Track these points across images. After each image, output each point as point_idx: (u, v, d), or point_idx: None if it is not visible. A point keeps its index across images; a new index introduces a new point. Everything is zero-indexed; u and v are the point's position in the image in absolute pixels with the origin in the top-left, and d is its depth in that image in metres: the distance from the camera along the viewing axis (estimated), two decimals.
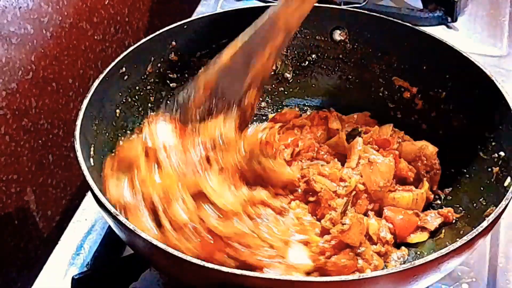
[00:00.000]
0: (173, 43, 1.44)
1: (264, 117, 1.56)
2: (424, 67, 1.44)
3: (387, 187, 1.29)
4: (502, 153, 1.25)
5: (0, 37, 1.38)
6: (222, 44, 1.48)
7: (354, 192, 1.28)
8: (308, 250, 1.16)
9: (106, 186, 1.15)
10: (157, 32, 1.41)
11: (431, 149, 1.36)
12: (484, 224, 1.06)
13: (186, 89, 1.25)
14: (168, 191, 1.11)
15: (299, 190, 1.29)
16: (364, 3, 1.80)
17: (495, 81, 1.28)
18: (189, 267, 1.00)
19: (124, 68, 1.35)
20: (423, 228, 1.28)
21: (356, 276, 0.98)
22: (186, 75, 1.48)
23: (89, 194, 1.44)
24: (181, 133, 1.20)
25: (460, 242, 1.03)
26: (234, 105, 1.22)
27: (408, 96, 1.47)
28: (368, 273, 0.99)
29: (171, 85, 1.47)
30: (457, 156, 1.36)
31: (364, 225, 1.20)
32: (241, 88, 1.22)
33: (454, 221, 1.28)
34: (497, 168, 1.24)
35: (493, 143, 1.28)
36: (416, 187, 1.33)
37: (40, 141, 1.57)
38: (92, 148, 1.24)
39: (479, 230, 1.05)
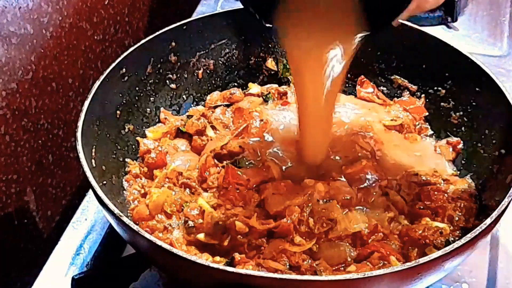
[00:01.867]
0: (173, 43, 1.44)
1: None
2: (424, 66, 1.45)
3: None
4: (503, 151, 1.25)
5: (0, 37, 1.38)
6: (221, 44, 1.50)
7: None
8: None
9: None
10: (157, 33, 1.41)
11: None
12: (488, 221, 1.06)
13: None
14: None
15: None
16: None
17: (494, 78, 1.29)
18: (191, 266, 1.00)
19: (124, 69, 1.36)
20: None
21: (361, 274, 0.98)
22: (186, 76, 1.49)
23: (89, 194, 1.44)
24: None
25: (464, 240, 1.03)
26: None
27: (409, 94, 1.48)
28: (373, 272, 0.98)
29: (170, 86, 1.47)
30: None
31: None
32: None
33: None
34: (498, 165, 1.25)
35: (494, 141, 1.28)
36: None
37: (40, 141, 1.57)
38: (93, 149, 1.24)
39: (483, 228, 1.05)
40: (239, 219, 1.19)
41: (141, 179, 1.32)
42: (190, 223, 1.22)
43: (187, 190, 1.30)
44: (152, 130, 1.42)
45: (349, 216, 1.21)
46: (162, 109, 1.46)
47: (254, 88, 1.51)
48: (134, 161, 1.37)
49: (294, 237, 1.18)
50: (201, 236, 1.21)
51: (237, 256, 1.15)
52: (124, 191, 1.30)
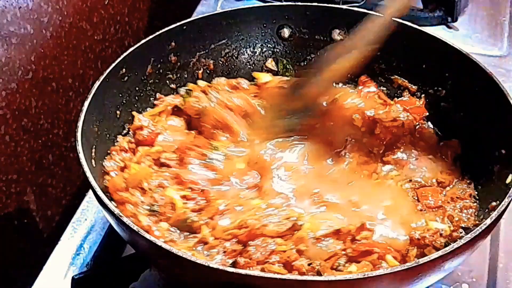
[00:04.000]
0: (173, 43, 1.44)
1: None
2: (424, 66, 1.44)
3: None
4: (503, 151, 1.25)
5: (0, 37, 1.38)
6: (221, 44, 1.50)
7: None
8: None
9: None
10: (157, 33, 1.41)
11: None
12: (487, 221, 1.06)
13: None
14: None
15: None
16: (362, 2, 1.79)
17: (495, 78, 1.29)
18: (191, 266, 1.00)
19: (124, 69, 1.35)
20: None
21: (361, 274, 0.98)
22: (186, 76, 1.49)
23: (89, 194, 1.44)
24: None
25: (464, 240, 1.03)
26: None
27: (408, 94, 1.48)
28: (373, 272, 0.98)
29: (170, 86, 1.47)
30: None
31: None
32: None
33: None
34: (498, 165, 1.24)
35: (494, 141, 1.28)
36: None
37: (40, 141, 1.57)
38: (93, 150, 1.24)
39: (483, 228, 1.05)
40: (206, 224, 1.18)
41: (126, 153, 1.30)
42: (156, 207, 1.21)
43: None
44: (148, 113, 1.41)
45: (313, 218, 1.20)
46: (158, 94, 1.44)
47: (265, 77, 1.49)
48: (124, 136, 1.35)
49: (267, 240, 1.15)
50: (164, 225, 1.19)
51: (240, 260, 1.14)
52: None
